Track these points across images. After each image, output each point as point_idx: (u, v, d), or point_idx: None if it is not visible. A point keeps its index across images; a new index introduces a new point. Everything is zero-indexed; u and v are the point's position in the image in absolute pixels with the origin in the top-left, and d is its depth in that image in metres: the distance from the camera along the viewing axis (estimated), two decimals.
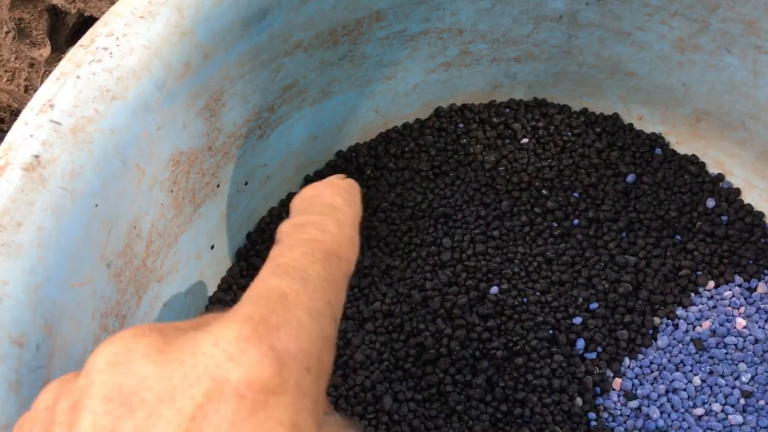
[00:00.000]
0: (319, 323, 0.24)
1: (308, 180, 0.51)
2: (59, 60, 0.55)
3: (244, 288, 0.47)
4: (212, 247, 0.45)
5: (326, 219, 0.29)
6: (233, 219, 0.46)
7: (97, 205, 0.34)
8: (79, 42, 0.35)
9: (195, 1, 0.37)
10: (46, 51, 0.57)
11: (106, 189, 0.34)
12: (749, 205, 0.51)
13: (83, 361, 0.34)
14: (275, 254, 0.27)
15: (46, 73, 0.57)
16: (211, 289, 0.46)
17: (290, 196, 0.50)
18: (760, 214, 0.51)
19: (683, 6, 0.46)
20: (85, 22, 0.58)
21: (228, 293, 0.46)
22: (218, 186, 0.43)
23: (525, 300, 0.46)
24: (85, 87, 0.34)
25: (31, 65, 0.57)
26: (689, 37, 0.48)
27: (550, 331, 0.45)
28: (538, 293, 0.46)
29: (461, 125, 0.53)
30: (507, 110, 0.54)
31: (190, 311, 0.44)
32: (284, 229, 0.29)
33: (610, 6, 0.48)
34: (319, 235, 0.27)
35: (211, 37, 0.38)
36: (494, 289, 0.46)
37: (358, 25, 0.45)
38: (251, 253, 0.48)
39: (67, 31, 0.58)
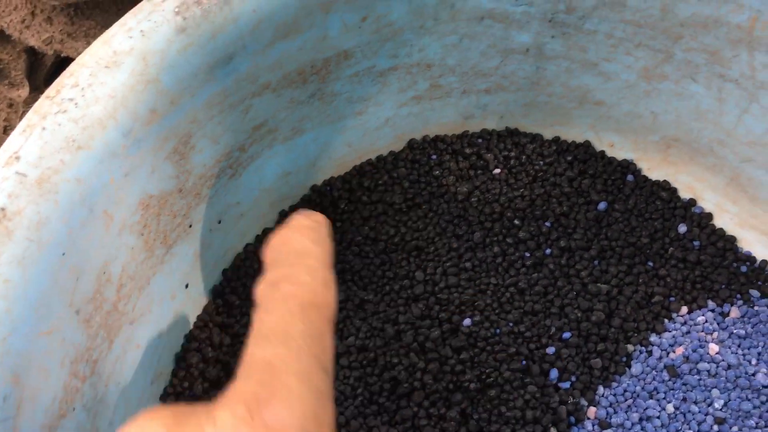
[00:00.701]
0: (308, 382, 0.25)
1: (283, 215, 0.51)
2: (37, 100, 0.56)
3: (220, 325, 0.47)
4: (186, 286, 0.46)
5: (297, 269, 0.29)
6: (207, 257, 0.47)
7: (64, 254, 0.34)
8: (45, 93, 0.36)
9: (160, 49, 0.37)
10: (24, 91, 0.58)
11: (73, 237, 0.35)
12: (721, 229, 0.52)
13: (52, 408, 0.35)
14: (255, 321, 0.28)
15: (25, 114, 0.57)
16: (187, 327, 0.47)
17: (266, 231, 0.51)
18: (732, 239, 0.51)
19: (646, 37, 0.47)
20: (63, 62, 0.59)
21: (204, 330, 0.47)
22: (191, 226, 0.44)
23: (498, 331, 0.46)
24: (51, 138, 0.35)
25: (10, 105, 0.58)
26: (654, 66, 0.49)
27: (524, 362, 0.46)
28: (510, 324, 0.47)
29: (434, 156, 0.53)
30: (479, 140, 0.54)
31: (164, 351, 0.45)
32: (259, 290, 0.29)
33: (574, 39, 0.48)
34: (293, 289, 0.28)
35: (177, 83, 0.38)
36: (467, 321, 0.46)
37: (326, 64, 0.45)
38: (227, 290, 0.48)
39: (46, 71, 0.59)
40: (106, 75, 0.36)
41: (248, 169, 0.46)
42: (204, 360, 0.46)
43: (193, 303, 0.47)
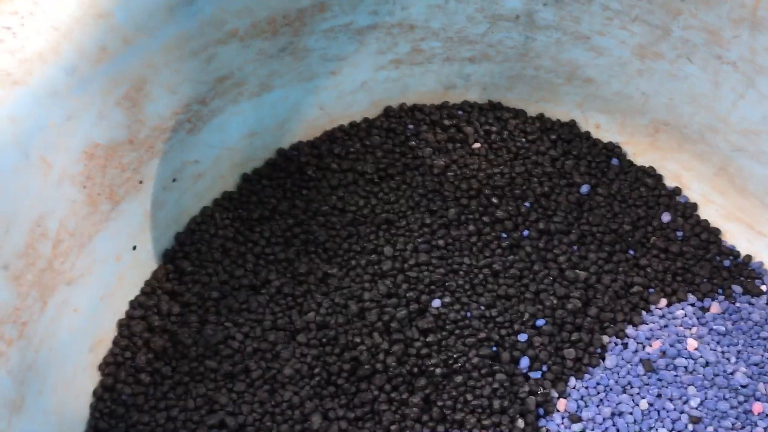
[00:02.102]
0: None
1: (246, 179, 0.48)
2: None
3: (169, 292, 0.44)
4: (134, 248, 0.42)
5: None
6: (159, 218, 0.43)
7: None
8: None
9: None
10: None
11: (3, 183, 0.31)
12: (705, 220, 0.49)
13: None
14: None
15: None
16: (133, 293, 0.43)
17: (225, 195, 0.47)
18: (716, 231, 0.49)
19: (644, 11, 0.44)
20: None
21: (151, 297, 0.43)
22: (141, 182, 0.40)
23: (468, 314, 0.43)
24: None
25: None
26: (650, 44, 0.46)
27: (494, 348, 0.43)
28: (482, 307, 0.44)
29: (411, 126, 0.50)
30: (460, 112, 0.51)
31: (106, 317, 0.41)
32: None
33: (568, 8, 0.45)
34: None
35: (131, 20, 0.35)
36: (436, 302, 0.43)
37: (300, 15, 0.42)
38: (179, 255, 0.45)
39: None
40: (51, 4, 0.32)
41: (209, 125, 0.43)
42: (149, 329, 0.42)
43: (140, 267, 0.43)
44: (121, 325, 0.42)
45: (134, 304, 0.43)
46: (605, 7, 0.45)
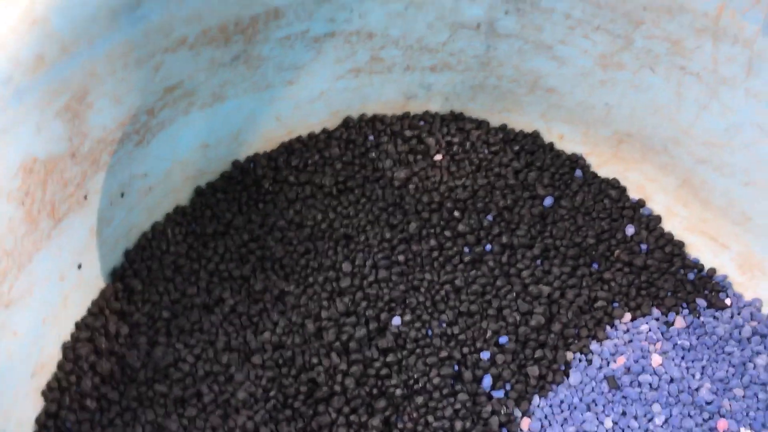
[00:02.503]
0: None
1: (199, 192, 0.46)
2: None
3: (118, 312, 0.42)
4: (79, 266, 0.40)
5: None
6: (107, 235, 0.41)
7: None
8: None
9: None
10: None
11: None
12: (669, 233, 0.49)
13: None
14: None
15: None
16: (79, 314, 0.41)
17: (178, 210, 0.45)
18: (680, 244, 0.48)
19: (606, 20, 0.43)
20: None
21: (99, 318, 0.41)
22: (86, 198, 0.38)
23: (429, 332, 0.42)
24: None
25: None
26: (612, 53, 0.45)
27: (456, 367, 0.42)
28: (443, 325, 0.42)
29: (371, 137, 0.49)
30: (421, 123, 0.50)
31: (50, 340, 0.39)
32: None
33: (530, 16, 0.44)
34: None
35: (71, 27, 0.33)
36: (396, 320, 0.42)
37: (253, 22, 0.40)
38: (128, 273, 0.43)
39: None
40: None
41: (158, 137, 0.41)
42: (96, 351, 0.40)
43: (87, 286, 0.41)
44: (66, 348, 0.40)
45: (80, 326, 0.41)
46: (567, 15, 0.44)
